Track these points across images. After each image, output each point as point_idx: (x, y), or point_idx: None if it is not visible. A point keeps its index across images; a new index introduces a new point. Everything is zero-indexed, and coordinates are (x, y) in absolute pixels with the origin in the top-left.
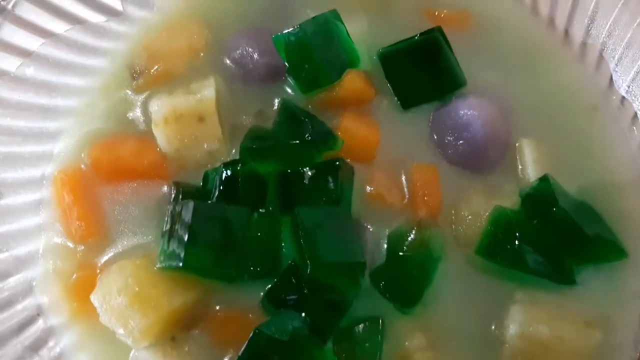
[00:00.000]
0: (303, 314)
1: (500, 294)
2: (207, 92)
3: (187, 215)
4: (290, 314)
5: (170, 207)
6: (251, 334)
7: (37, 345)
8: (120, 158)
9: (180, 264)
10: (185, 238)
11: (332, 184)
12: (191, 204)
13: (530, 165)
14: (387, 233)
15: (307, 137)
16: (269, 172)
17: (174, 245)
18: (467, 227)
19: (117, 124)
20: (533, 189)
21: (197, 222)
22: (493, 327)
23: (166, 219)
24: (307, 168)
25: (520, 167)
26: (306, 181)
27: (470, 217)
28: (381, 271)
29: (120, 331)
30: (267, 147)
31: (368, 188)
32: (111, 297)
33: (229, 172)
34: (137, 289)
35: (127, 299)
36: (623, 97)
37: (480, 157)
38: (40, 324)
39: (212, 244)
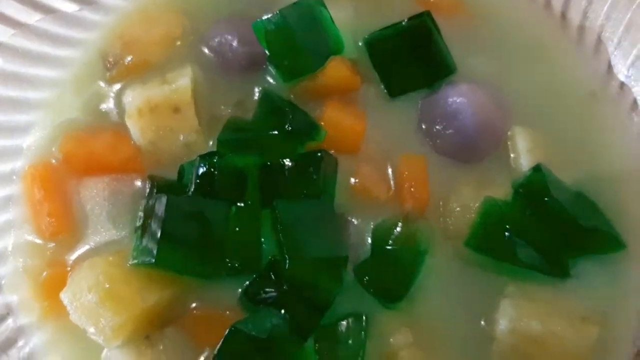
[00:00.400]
0: (283, 311)
1: (490, 288)
2: (182, 81)
3: (160, 210)
4: (269, 311)
5: (144, 202)
6: (227, 331)
7: (6, 345)
8: (93, 152)
9: (153, 260)
10: (158, 234)
11: (313, 176)
12: (164, 198)
13: (524, 154)
14: (372, 227)
15: (288, 127)
16: (249, 164)
17: (147, 241)
18: (456, 220)
19: (89, 116)
20: (525, 179)
21: (170, 217)
22: (482, 322)
23: (140, 214)
24: (288, 160)
25: (512, 157)
26: (287, 173)
27: (459, 209)
28: (365, 266)
29: (92, 330)
30: (246, 138)
31: (352, 180)
32: (81, 294)
33: (205, 165)
34: (108, 285)
35: (97, 296)
36: (622, 83)
37: (470, 147)
38: (9, 323)
39: (186, 239)
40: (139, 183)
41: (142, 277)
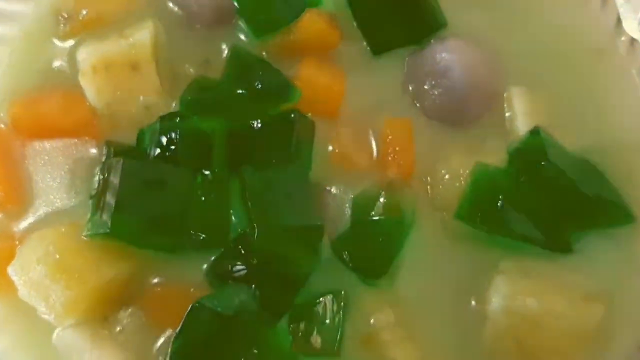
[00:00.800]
0: (253, 287)
1: (482, 263)
2: (141, 35)
3: (115, 176)
4: (237, 287)
5: (99, 169)
6: (190, 307)
7: None
8: (44, 115)
9: (108, 230)
10: (113, 201)
11: (286, 140)
12: (120, 162)
13: (521, 117)
14: (351, 197)
15: (258, 85)
16: (215, 128)
17: (102, 211)
18: (445, 189)
19: (40, 76)
20: (521, 143)
21: (127, 183)
22: (473, 301)
23: (95, 182)
24: (257, 121)
25: (508, 120)
26: (256, 137)
27: (448, 176)
28: (344, 239)
29: (42, 308)
30: (212, 99)
31: (330, 147)
32: (30, 267)
33: (166, 128)
34: (58, 256)
35: (47, 268)
36: (632, 39)
37: (460, 108)
38: None
39: (145, 208)
40: (94, 149)
41: (97, 250)
